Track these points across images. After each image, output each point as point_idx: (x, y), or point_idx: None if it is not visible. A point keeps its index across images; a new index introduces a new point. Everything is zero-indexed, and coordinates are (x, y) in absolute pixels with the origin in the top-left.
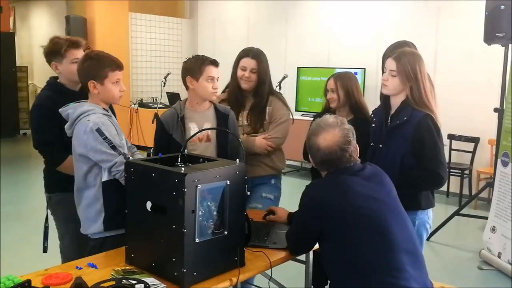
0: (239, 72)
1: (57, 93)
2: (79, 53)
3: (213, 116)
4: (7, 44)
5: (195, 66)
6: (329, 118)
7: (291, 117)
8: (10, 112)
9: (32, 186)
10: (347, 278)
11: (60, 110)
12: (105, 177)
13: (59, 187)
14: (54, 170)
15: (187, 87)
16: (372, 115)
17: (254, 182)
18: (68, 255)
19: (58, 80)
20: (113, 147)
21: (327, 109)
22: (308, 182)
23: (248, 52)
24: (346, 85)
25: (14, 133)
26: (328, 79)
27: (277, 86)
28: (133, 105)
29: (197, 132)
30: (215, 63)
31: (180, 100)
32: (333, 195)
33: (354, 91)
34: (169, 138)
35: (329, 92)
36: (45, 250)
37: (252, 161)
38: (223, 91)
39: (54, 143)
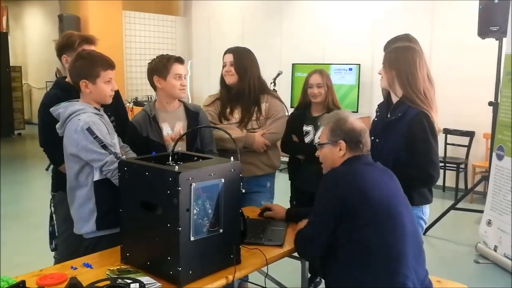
0: (223, 69)
1: (64, 92)
2: (92, 49)
3: (184, 115)
4: (0, 44)
5: (160, 65)
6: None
7: (286, 114)
8: (4, 113)
9: (29, 186)
10: (355, 261)
11: (51, 109)
12: (96, 177)
13: (64, 186)
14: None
15: (155, 88)
16: (377, 109)
17: (251, 183)
18: (64, 254)
19: (66, 80)
20: (104, 146)
21: (307, 104)
22: None
23: (228, 49)
24: (328, 81)
25: (9, 133)
26: (310, 75)
27: (271, 82)
28: (128, 104)
29: (187, 132)
30: (180, 60)
31: (149, 102)
32: (352, 179)
33: (332, 87)
34: (143, 140)
35: (314, 87)
36: (54, 248)
37: (249, 158)
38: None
39: (56, 143)
